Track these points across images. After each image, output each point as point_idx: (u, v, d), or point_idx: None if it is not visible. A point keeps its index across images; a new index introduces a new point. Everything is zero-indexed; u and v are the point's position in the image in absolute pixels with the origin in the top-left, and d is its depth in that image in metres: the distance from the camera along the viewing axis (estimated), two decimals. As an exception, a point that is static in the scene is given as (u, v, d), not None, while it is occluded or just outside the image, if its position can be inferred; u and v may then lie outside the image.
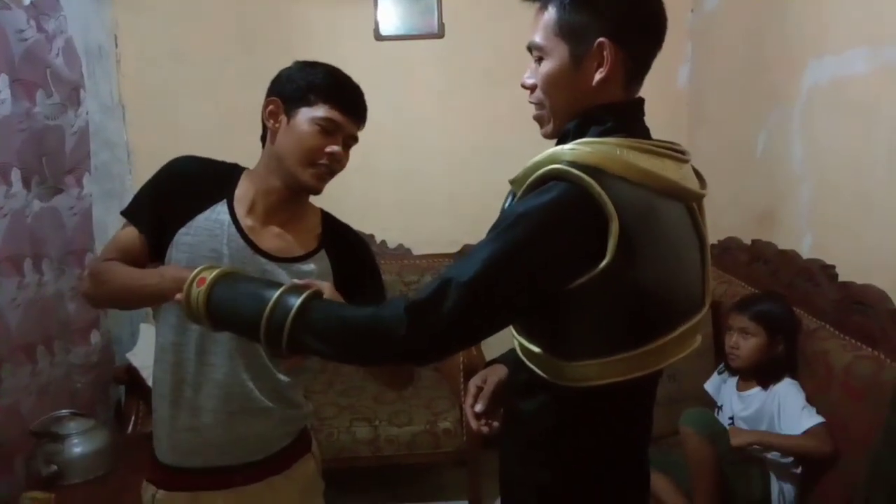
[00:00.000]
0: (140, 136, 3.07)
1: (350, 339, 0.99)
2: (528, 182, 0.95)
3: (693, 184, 1.00)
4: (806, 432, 1.80)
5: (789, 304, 2.04)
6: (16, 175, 2.14)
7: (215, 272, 1.07)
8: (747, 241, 2.53)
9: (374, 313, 0.98)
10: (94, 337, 2.59)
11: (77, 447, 2.10)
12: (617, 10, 0.96)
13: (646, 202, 0.91)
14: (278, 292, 1.01)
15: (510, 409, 1.13)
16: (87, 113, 2.55)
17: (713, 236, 2.75)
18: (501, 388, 1.17)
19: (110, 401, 2.79)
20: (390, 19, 3.13)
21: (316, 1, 3.10)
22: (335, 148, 1.27)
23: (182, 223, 1.27)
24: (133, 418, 2.62)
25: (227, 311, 1.05)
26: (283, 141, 1.27)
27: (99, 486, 2.08)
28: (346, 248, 1.39)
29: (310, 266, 1.32)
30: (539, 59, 1.02)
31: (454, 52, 3.15)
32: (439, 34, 3.14)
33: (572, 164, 0.90)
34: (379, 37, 3.13)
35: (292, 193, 1.31)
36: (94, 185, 2.60)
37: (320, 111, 1.25)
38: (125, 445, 2.28)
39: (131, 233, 1.30)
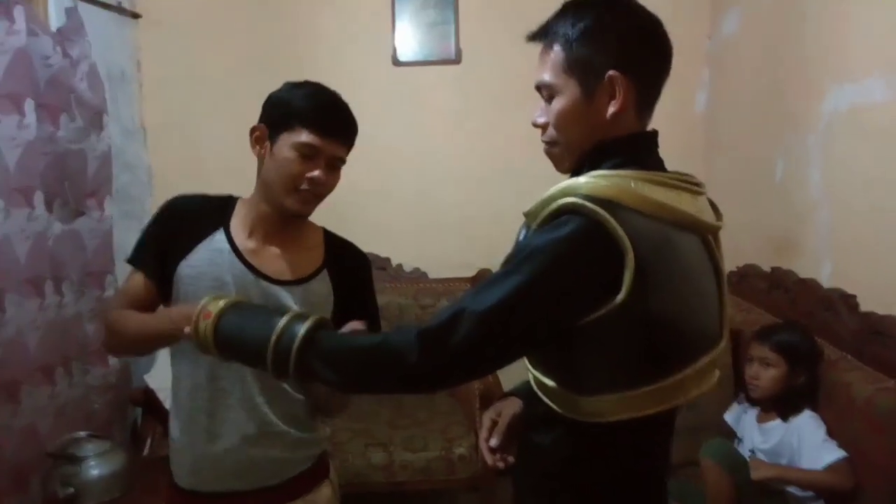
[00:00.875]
0: (161, 159, 3.11)
1: (359, 364, 0.99)
2: (542, 215, 0.95)
3: (709, 216, 1.00)
4: (827, 467, 1.77)
5: (811, 335, 2.02)
6: (38, 198, 2.17)
7: (221, 304, 1.08)
8: (766, 268, 2.51)
9: (384, 339, 0.98)
10: (112, 359, 2.60)
11: (94, 469, 2.10)
12: (623, 41, 0.96)
13: (661, 235, 0.91)
14: (285, 319, 1.02)
15: (525, 442, 1.12)
16: (109, 137, 2.59)
17: (731, 262, 2.74)
18: (516, 422, 1.15)
19: (126, 422, 2.80)
20: (408, 45, 3.16)
21: (336, 26, 3.14)
22: (315, 173, 1.25)
23: (182, 257, 1.29)
24: (149, 440, 2.62)
25: (235, 340, 1.06)
26: (268, 167, 1.28)
27: (114, 509, 2.08)
28: (347, 267, 1.39)
29: (312, 287, 1.33)
30: (550, 98, 1.01)
31: (470, 78, 3.17)
32: (456, 60, 3.16)
33: (587, 197, 0.90)
34: (396, 62, 3.16)
35: (284, 217, 1.32)
36: (115, 208, 2.62)
37: (299, 136, 1.24)
38: (141, 468, 2.29)
39: (138, 279, 1.32)
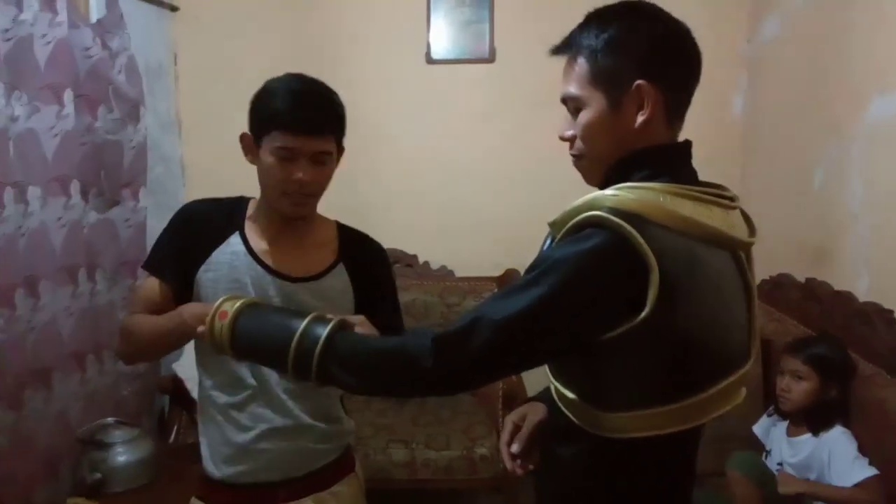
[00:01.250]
0: (194, 152, 3.14)
1: (376, 369, 1.00)
2: (567, 227, 0.93)
3: (741, 231, 0.97)
4: (857, 485, 1.74)
5: (845, 348, 1.98)
6: (75, 187, 2.21)
7: (237, 304, 1.07)
8: (800, 278, 2.46)
9: (400, 343, 0.99)
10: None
11: (121, 456, 2.13)
12: (650, 49, 0.95)
13: (688, 251, 0.88)
14: (305, 322, 1.02)
15: (548, 452, 1.11)
16: (145, 129, 2.62)
17: (765, 271, 2.70)
18: (540, 430, 1.14)
19: (154, 410, 2.84)
20: (442, 43, 3.15)
21: (370, 22, 3.14)
22: (298, 175, 1.23)
23: (201, 262, 1.30)
24: (176, 428, 2.66)
25: (253, 341, 1.06)
26: (259, 174, 1.29)
27: (141, 495, 2.11)
28: (364, 260, 1.39)
29: (328, 282, 1.33)
30: (576, 111, 1.00)
31: (503, 77, 3.15)
32: (490, 59, 3.14)
33: (612, 210, 0.88)
34: (430, 60, 3.15)
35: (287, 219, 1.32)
36: (149, 199, 2.66)
37: (275, 141, 1.23)
38: (167, 455, 2.32)
39: (154, 284, 1.33)
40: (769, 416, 2.12)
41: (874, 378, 1.90)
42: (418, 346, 0.93)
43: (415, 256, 3.24)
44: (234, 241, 1.32)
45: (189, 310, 1.24)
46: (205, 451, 1.37)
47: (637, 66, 0.94)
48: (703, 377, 0.93)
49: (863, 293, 2.12)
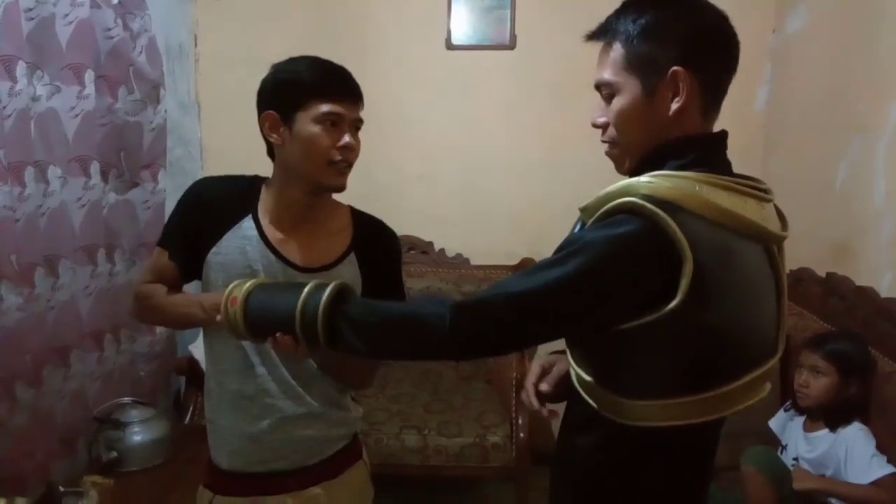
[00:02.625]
0: (213, 134, 3.15)
1: (389, 331, 1.01)
2: (599, 212, 0.92)
3: (774, 225, 0.96)
4: (875, 483, 1.72)
5: (866, 345, 1.95)
6: (95, 168, 2.22)
7: (244, 288, 1.10)
8: (821, 274, 2.43)
9: (417, 307, 1.01)
10: (159, 328, 2.66)
11: (137, 435, 2.16)
12: (687, 35, 0.93)
13: (723, 243, 0.87)
14: (308, 287, 1.06)
15: (565, 439, 1.11)
16: (165, 110, 2.63)
17: (786, 266, 2.65)
18: (566, 379, 1.11)
19: (170, 391, 2.87)
20: (462, 28, 3.13)
21: (391, 7, 3.12)
22: (347, 139, 1.24)
23: (212, 244, 1.29)
24: (191, 409, 2.68)
25: (264, 319, 1.09)
26: (293, 150, 1.25)
27: (156, 474, 2.13)
28: (376, 250, 1.37)
29: (339, 271, 1.31)
30: (609, 97, 0.98)
31: (524, 64, 3.13)
32: (510, 45, 3.12)
33: (648, 197, 0.86)
34: (450, 46, 3.13)
35: (315, 199, 1.30)
36: (168, 181, 2.67)
37: (318, 109, 1.22)
38: (182, 436, 2.33)
39: (164, 259, 1.34)
40: (786, 410, 2.10)
41: (894, 375, 1.87)
42: (436, 312, 0.94)
43: (430, 243, 3.23)
44: (247, 224, 1.30)
45: (206, 301, 1.25)
46: (214, 441, 1.36)
47: (673, 52, 0.92)
48: (729, 370, 0.92)
49: (885, 289, 2.09)
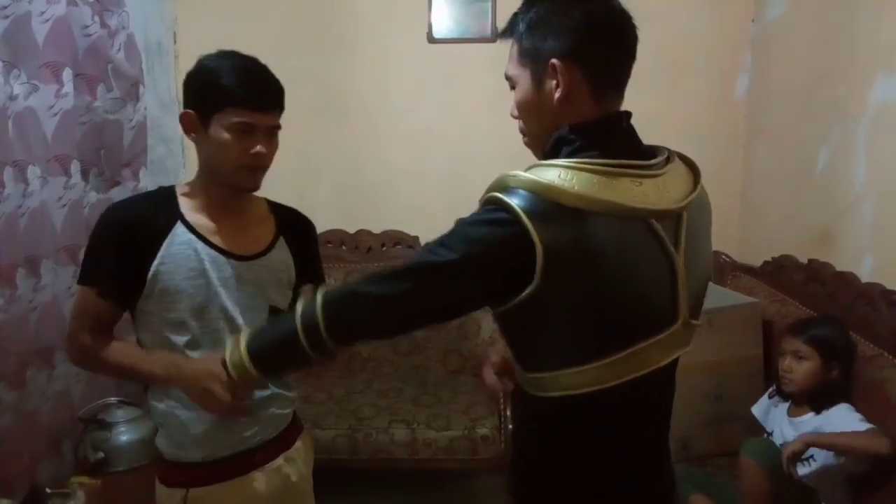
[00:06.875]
0: (194, 132, 3.12)
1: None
2: (480, 202, 0.99)
3: (659, 198, 0.96)
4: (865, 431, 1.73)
5: (846, 329, 1.97)
6: (75, 167, 2.20)
7: (242, 344, 1.12)
8: (803, 260, 2.45)
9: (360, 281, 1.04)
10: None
11: (123, 435, 2.14)
12: (567, 28, 0.98)
13: (579, 226, 0.91)
14: (299, 304, 1.07)
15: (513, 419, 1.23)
16: (145, 108, 2.60)
17: (767, 253, 2.69)
18: None
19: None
20: (444, 22, 3.12)
21: (371, 1, 3.11)
22: (258, 148, 1.27)
23: (150, 261, 1.28)
24: (177, 408, 2.66)
25: (271, 356, 1.12)
26: (209, 151, 1.29)
27: (144, 474, 2.11)
28: (299, 231, 1.46)
29: (276, 255, 1.39)
30: (513, 89, 1.06)
31: (507, 57, 3.11)
32: (492, 38, 3.11)
33: (507, 190, 0.93)
34: (432, 39, 3.12)
35: (236, 193, 1.34)
36: (149, 179, 2.65)
37: (232, 117, 1.24)
38: (169, 435, 2.32)
39: (93, 297, 1.30)
40: (770, 397, 2.12)
41: (876, 360, 1.90)
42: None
43: (416, 238, 3.22)
44: (180, 230, 1.30)
45: (175, 370, 1.26)
46: (175, 437, 1.36)
47: (555, 43, 0.98)
48: (620, 337, 0.96)
49: (866, 274, 2.12)
